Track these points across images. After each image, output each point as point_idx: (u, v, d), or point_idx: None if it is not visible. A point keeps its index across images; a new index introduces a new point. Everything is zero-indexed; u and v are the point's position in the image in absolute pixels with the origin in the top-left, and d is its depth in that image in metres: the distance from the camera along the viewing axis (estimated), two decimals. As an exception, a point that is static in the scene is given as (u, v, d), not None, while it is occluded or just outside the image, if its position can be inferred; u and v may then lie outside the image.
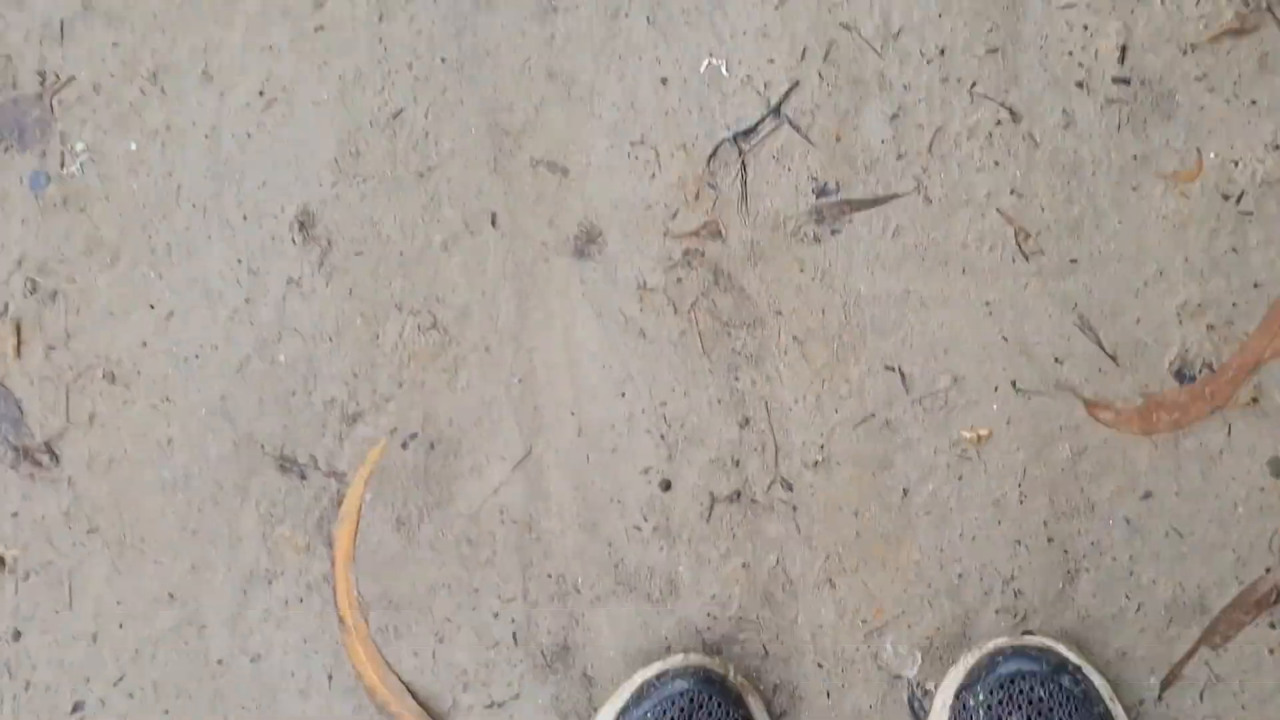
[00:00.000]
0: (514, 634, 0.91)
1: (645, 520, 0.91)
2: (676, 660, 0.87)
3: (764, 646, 0.89)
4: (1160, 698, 0.86)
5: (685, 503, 0.91)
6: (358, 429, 0.92)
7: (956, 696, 0.85)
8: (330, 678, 0.92)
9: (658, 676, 0.86)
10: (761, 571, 0.90)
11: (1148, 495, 0.87)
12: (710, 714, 0.84)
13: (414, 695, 0.91)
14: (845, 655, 0.89)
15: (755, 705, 0.87)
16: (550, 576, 0.91)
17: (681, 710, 0.84)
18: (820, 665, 0.89)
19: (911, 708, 0.89)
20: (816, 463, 0.90)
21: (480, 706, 0.91)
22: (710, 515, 0.91)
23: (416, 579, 0.92)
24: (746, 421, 0.91)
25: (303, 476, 0.93)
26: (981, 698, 0.83)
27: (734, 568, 0.90)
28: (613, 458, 0.92)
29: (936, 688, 0.88)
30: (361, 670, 0.91)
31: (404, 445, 0.92)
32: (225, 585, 0.93)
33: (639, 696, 0.85)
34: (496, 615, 0.91)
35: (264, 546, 0.93)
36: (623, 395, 0.91)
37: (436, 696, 0.91)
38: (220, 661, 0.93)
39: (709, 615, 0.90)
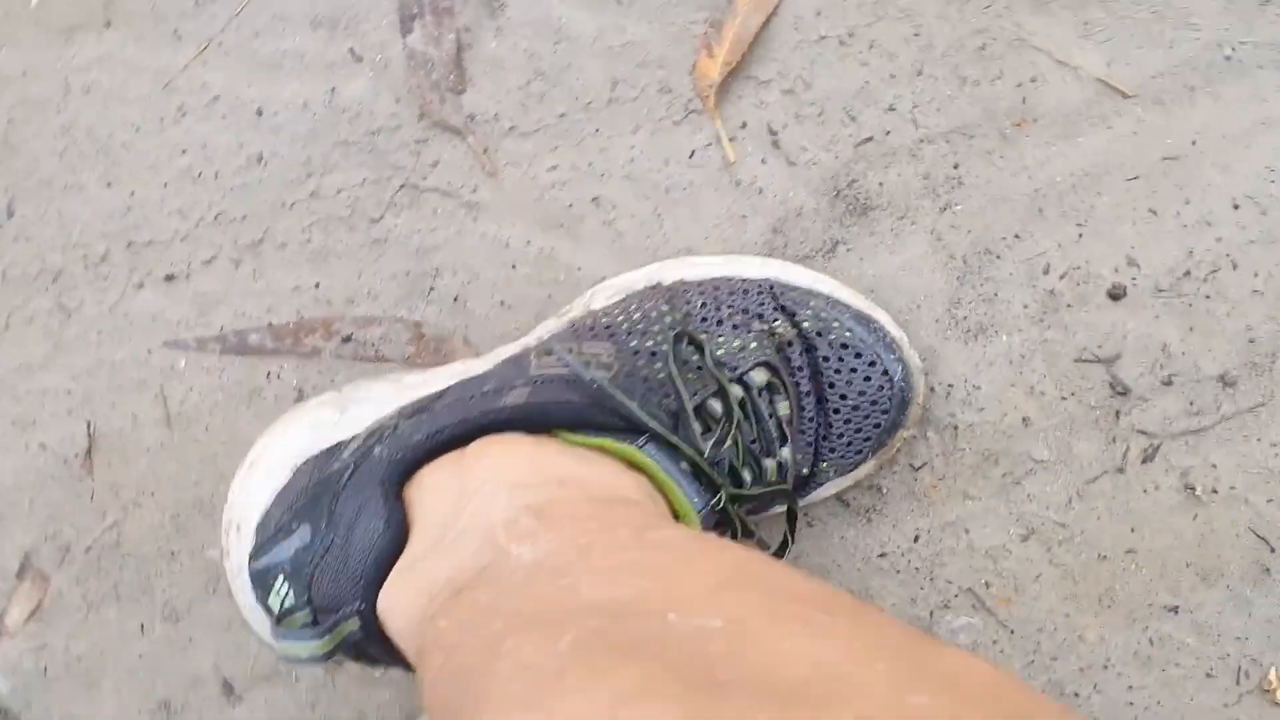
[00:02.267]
0: (868, 140, 0.67)
1: (1061, 277, 0.66)
2: (915, 362, 0.63)
3: (922, 466, 0.68)
4: None
5: None
6: None
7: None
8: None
9: (894, 339, 0.62)
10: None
11: None
12: (868, 416, 0.62)
13: (762, 33, 0.66)
14: (941, 571, 0.68)
15: (867, 466, 0.66)
16: None
17: (867, 380, 0.61)
18: (917, 539, 0.68)
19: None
20: (1192, 490, 0.66)
21: None
22: (1082, 362, 0.67)
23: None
24: None
25: None
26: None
27: (1028, 407, 0.67)
28: None
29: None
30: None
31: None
32: None
33: (863, 320, 0.61)
34: None
35: None
36: None
37: (768, 60, 0.67)
38: None
39: (947, 389, 0.67)
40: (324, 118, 0.70)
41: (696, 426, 0.53)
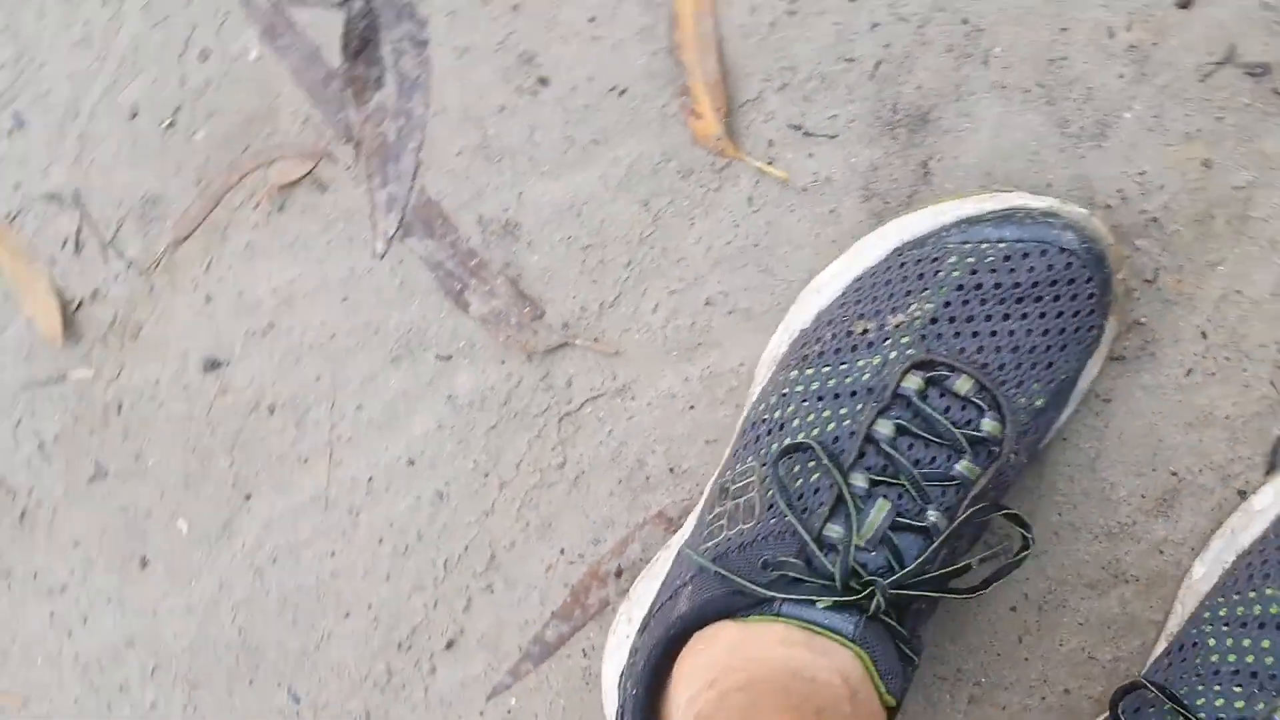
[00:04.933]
0: (878, 63, 0.63)
1: (1127, 30, 0.61)
2: (1078, 213, 0.58)
3: (1155, 271, 0.62)
4: None
5: (1191, 39, 0.60)
6: None
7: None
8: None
9: (1044, 214, 0.57)
10: (1220, 182, 0.60)
11: None
12: (1075, 299, 0.56)
13: (720, 57, 0.65)
14: (1243, 343, 0.61)
15: (1110, 329, 0.61)
16: (965, 22, 0.62)
17: (1049, 269, 0.56)
18: (1204, 335, 0.62)
19: (1276, 448, 0.62)
20: (1404, 91, 0.59)
21: (783, 120, 0.64)
22: (1209, 76, 0.61)
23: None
24: (1358, -19, 0.59)
25: None
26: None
27: (1191, 156, 0.61)
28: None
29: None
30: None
31: None
32: None
33: (1005, 218, 0.57)
34: (874, 27, 0.63)
35: None
36: None
37: (743, 76, 0.64)
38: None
39: (1119, 192, 0.62)
40: (460, 425, 0.69)
41: (826, 544, 0.52)
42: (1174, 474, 0.63)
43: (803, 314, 0.61)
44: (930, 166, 0.63)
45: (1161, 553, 0.63)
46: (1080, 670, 0.65)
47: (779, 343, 0.62)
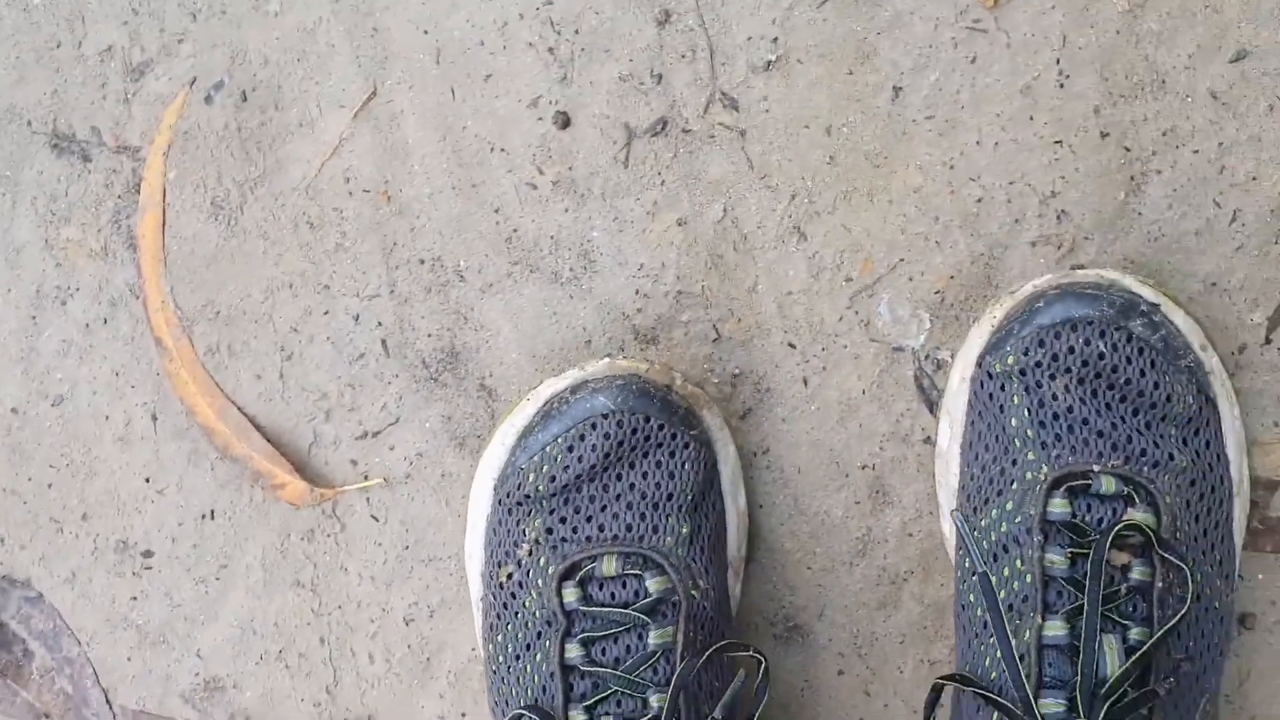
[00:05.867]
0: (383, 341, 0.65)
1: (541, 173, 0.64)
2: (598, 368, 0.59)
3: (715, 328, 0.63)
4: (1269, 339, 0.59)
5: (592, 142, 0.63)
6: (147, 84, 0.65)
7: (979, 364, 0.58)
8: (155, 418, 0.67)
9: (572, 390, 0.58)
10: (704, 227, 0.63)
11: (1241, 55, 0.58)
12: (649, 439, 0.56)
13: (262, 431, 0.66)
14: (825, 327, 0.62)
15: (711, 418, 0.60)
16: (423, 262, 0.65)
17: (606, 437, 0.55)
18: (792, 345, 0.62)
19: (919, 386, 0.62)
20: (769, 64, 0.62)
21: (349, 438, 0.66)
22: (628, 157, 0.63)
23: (248, 279, 0.66)
24: (666, 16, 0.62)
25: (85, 157, 0.66)
26: (1013, 360, 0.55)
27: (666, 226, 0.63)
28: (487, 88, 0.64)
29: (953, 356, 0.61)
30: (193, 405, 0.66)
31: (208, 99, 0.65)
32: (7, 312, 0.68)
33: (546, 416, 0.57)
34: (358, 319, 0.65)
35: (48, 256, 0.67)
36: (491, -4, 0.63)
37: (291, 431, 0.66)
38: (15, 410, 0.69)
39: (638, 294, 0.63)
40: None
41: None
42: (864, 467, 0.62)
43: (474, 584, 0.61)
44: (487, 385, 0.64)
45: (911, 535, 0.62)
46: (933, 679, 0.62)
47: (476, 618, 0.62)
